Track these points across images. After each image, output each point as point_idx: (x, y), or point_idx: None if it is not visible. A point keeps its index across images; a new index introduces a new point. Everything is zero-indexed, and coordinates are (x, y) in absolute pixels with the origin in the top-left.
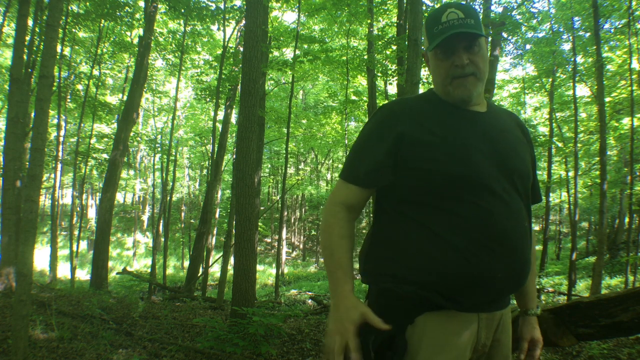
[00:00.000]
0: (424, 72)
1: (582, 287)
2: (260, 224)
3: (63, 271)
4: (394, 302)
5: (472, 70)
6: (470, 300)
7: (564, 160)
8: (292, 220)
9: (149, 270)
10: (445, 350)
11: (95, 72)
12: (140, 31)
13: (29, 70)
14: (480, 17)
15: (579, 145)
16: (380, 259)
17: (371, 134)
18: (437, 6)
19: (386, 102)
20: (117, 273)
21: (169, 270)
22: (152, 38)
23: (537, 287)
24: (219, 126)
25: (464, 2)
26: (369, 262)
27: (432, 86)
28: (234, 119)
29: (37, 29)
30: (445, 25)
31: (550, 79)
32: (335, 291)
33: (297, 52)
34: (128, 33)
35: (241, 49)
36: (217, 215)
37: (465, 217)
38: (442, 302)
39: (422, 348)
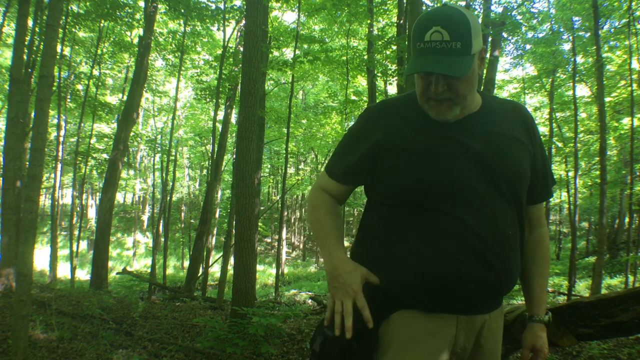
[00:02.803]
0: None
1: (582, 287)
2: (260, 224)
3: (63, 271)
4: (370, 298)
5: (448, 96)
6: (438, 305)
7: (564, 160)
8: (292, 220)
9: (149, 270)
10: (416, 348)
11: (95, 72)
12: (140, 31)
13: (29, 70)
14: (481, 18)
15: (579, 145)
16: (359, 254)
17: (352, 136)
18: (437, 5)
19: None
20: (117, 273)
21: (169, 270)
22: (152, 38)
23: None
24: (219, 126)
25: (461, 8)
26: (353, 255)
27: None
28: (234, 119)
29: (37, 29)
30: (427, 45)
31: (550, 79)
32: (331, 259)
33: (297, 52)
34: (128, 33)
35: (241, 49)
36: (217, 215)
37: (434, 225)
38: (410, 302)
39: (394, 344)
